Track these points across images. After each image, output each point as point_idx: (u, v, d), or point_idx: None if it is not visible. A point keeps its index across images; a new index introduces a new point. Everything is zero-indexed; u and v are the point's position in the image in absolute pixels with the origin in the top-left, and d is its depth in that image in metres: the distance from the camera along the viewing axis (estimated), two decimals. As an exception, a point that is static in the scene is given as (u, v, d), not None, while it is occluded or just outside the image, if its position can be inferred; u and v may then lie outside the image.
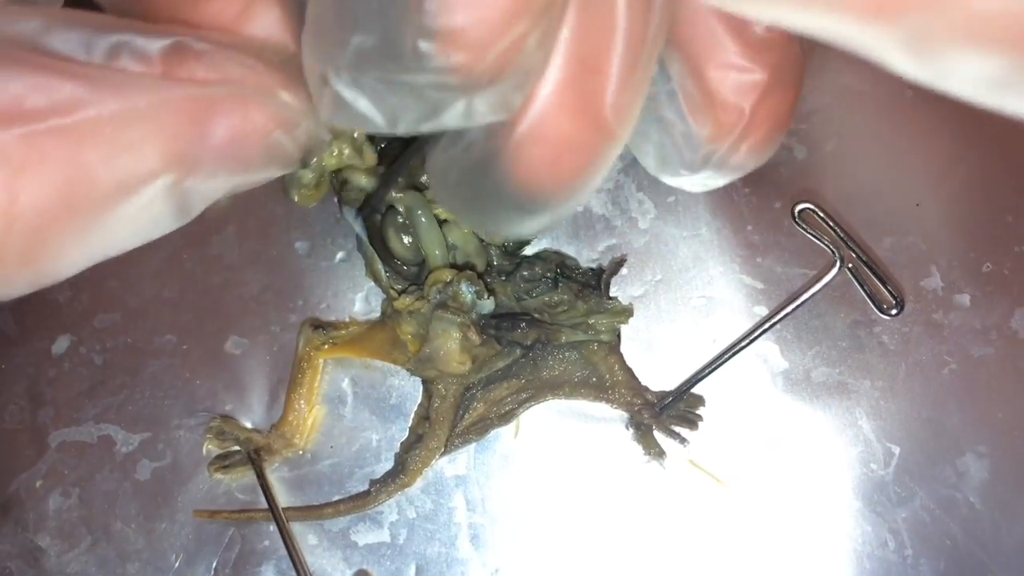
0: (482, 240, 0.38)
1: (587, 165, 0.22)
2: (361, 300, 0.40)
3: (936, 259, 0.38)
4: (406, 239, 0.37)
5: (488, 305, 0.36)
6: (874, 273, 0.37)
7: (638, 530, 0.37)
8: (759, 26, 0.24)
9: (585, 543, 0.37)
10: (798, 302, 0.36)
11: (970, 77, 0.15)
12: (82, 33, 0.20)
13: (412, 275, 0.38)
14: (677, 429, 0.37)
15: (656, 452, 0.38)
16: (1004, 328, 0.38)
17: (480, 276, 0.37)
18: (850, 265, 0.37)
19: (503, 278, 0.38)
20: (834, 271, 0.36)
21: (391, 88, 0.19)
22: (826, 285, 0.36)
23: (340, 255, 0.41)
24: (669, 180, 0.27)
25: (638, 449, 0.38)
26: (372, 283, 0.39)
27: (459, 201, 0.25)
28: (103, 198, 0.19)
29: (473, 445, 0.38)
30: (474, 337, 0.36)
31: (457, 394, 0.38)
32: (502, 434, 0.38)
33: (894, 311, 0.37)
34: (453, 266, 0.37)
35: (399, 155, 0.37)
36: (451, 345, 0.36)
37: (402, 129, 0.20)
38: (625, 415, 0.38)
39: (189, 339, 0.41)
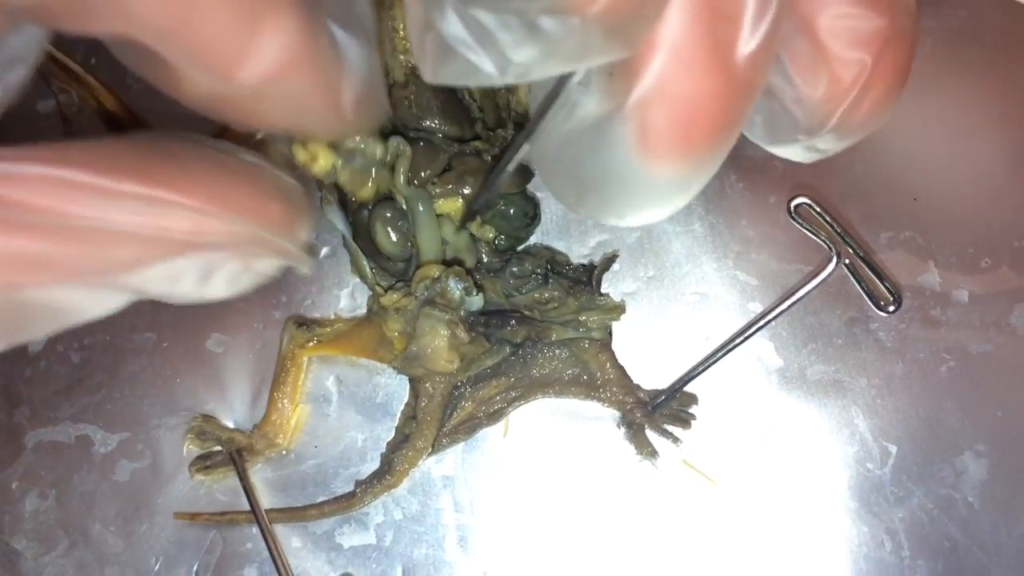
0: (473, 236, 0.37)
1: (722, 125, 0.20)
2: (346, 296, 0.39)
3: (934, 255, 0.38)
4: (393, 234, 0.36)
5: (477, 302, 0.35)
6: (871, 269, 0.36)
7: (630, 530, 0.37)
8: None
9: (576, 544, 0.37)
10: (793, 299, 0.36)
11: None
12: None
13: (399, 271, 0.37)
14: (670, 428, 0.37)
15: (649, 451, 0.37)
16: (1003, 325, 0.37)
17: (469, 272, 0.36)
18: (847, 261, 0.36)
19: (492, 274, 0.37)
20: (830, 267, 0.35)
21: (501, 22, 0.17)
22: (822, 282, 0.35)
23: (325, 250, 0.40)
24: (779, 150, 0.25)
25: (630, 448, 0.37)
26: (358, 279, 0.38)
27: (577, 186, 0.23)
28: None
29: (461, 445, 0.37)
30: (462, 335, 0.35)
31: (445, 393, 0.37)
32: (491, 433, 0.38)
33: (891, 308, 0.36)
34: (442, 262, 0.36)
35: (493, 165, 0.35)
36: (439, 343, 0.35)
37: (512, 75, 0.18)
38: (617, 414, 0.37)
39: (169, 337, 0.39)
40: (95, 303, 0.21)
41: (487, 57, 0.18)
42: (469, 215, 0.35)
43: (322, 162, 0.34)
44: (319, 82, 0.21)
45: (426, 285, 0.35)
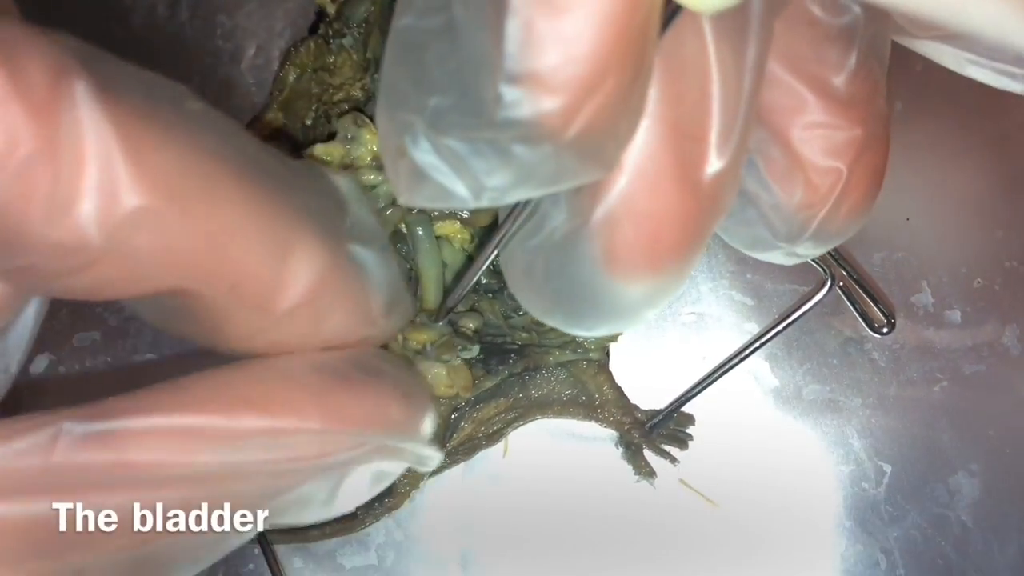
0: (471, 257, 0.37)
1: (688, 240, 0.20)
2: (346, 318, 0.40)
3: (927, 275, 0.38)
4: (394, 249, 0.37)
5: (474, 351, 0.35)
6: (865, 291, 0.37)
7: (629, 549, 0.37)
8: (841, 82, 0.22)
9: (575, 562, 0.37)
10: (788, 321, 0.36)
11: None
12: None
13: (399, 293, 0.38)
14: (667, 448, 0.37)
15: (646, 472, 0.37)
16: (996, 345, 0.38)
17: (460, 333, 0.36)
18: (840, 284, 0.37)
19: (491, 296, 0.37)
20: (824, 290, 0.36)
21: (474, 149, 0.17)
22: (816, 304, 0.36)
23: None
24: (760, 256, 0.25)
25: (628, 468, 0.37)
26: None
27: (545, 300, 0.23)
28: None
29: (461, 465, 0.38)
30: (460, 379, 0.35)
31: (445, 415, 0.37)
32: (490, 454, 0.38)
33: (885, 330, 0.37)
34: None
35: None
36: (438, 371, 0.35)
37: (486, 199, 0.18)
38: (615, 434, 0.38)
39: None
40: (221, 548, 0.22)
41: (461, 183, 0.18)
42: (445, 312, 0.35)
43: None
44: (349, 300, 0.22)
45: (417, 350, 0.35)
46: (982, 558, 0.36)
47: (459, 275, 0.36)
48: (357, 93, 0.38)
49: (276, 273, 0.20)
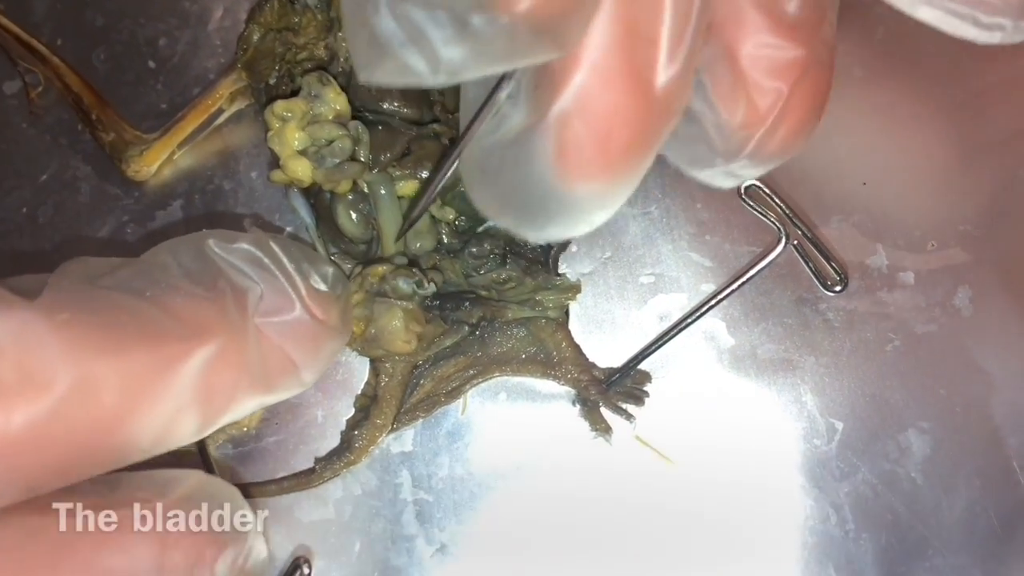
0: (433, 217, 0.37)
1: (639, 143, 0.20)
2: (308, 277, 0.40)
3: (882, 237, 0.38)
4: (356, 217, 0.37)
5: (430, 289, 0.35)
6: (819, 250, 0.37)
7: (585, 505, 0.37)
8: (792, 4, 0.22)
9: (531, 519, 0.37)
10: (743, 279, 0.36)
11: None
12: None
13: (361, 253, 0.38)
14: (624, 405, 0.37)
15: (603, 428, 0.37)
16: (947, 305, 0.38)
17: (417, 266, 0.36)
18: (795, 242, 0.37)
19: (452, 255, 0.38)
20: (779, 248, 0.36)
21: (432, 17, 0.17)
22: (771, 262, 0.36)
23: (288, 230, 0.40)
24: (699, 175, 0.25)
25: (585, 425, 0.38)
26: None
27: (498, 197, 0.23)
28: None
29: (420, 422, 0.38)
30: (416, 326, 0.35)
31: (405, 372, 0.37)
32: (449, 411, 0.38)
33: (838, 288, 0.37)
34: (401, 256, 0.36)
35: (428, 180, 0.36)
36: (396, 323, 0.35)
37: (443, 75, 0.18)
38: (572, 392, 0.38)
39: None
40: None
41: (419, 55, 0.18)
42: (408, 226, 0.35)
43: (302, 176, 0.35)
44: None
45: (373, 283, 0.35)
46: (930, 513, 0.37)
47: (423, 187, 0.36)
48: (321, 52, 0.39)
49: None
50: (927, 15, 0.22)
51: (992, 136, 0.39)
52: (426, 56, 0.18)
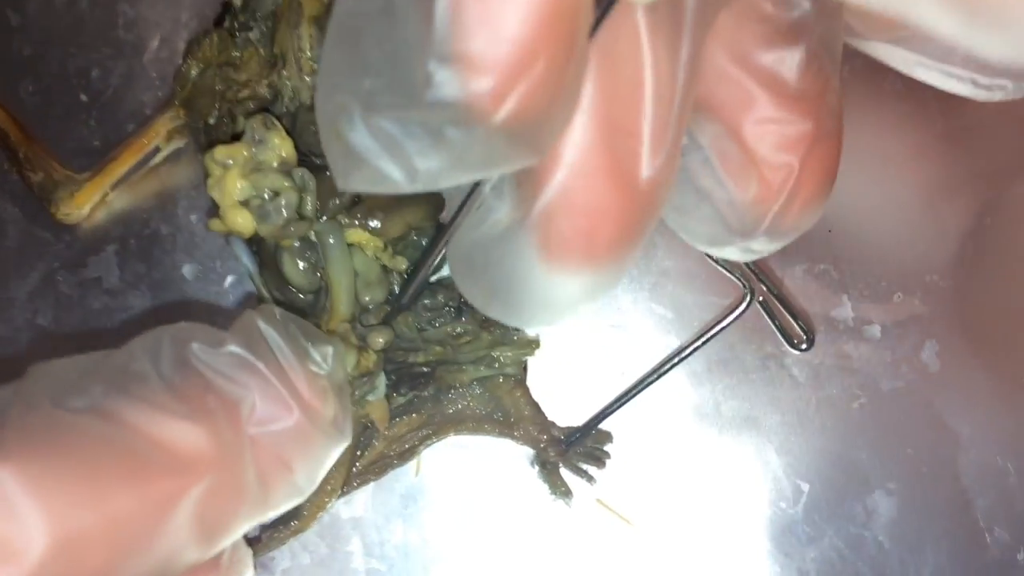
0: (384, 267, 0.36)
1: (624, 237, 0.20)
2: (252, 328, 0.38)
3: (848, 288, 0.38)
4: (302, 266, 0.35)
5: (379, 391, 0.34)
6: (784, 306, 0.36)
7: (544, 571, 0.36)
8: (792, 76, 0.22)
9: (489, 586, 0.36)
10: (707, 337, 0.36)
11: None
12: None
13: (307, 304, 0.36)
14: (584, 467, 0.36)
15: (563, 491, 0.36)
16: (914, 361, 0.37)
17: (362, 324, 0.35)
18: (760, 299, 0.36)
19: (404, 309, 0.36)
20: (744, 305, 0.35)
21: (407, 131, 0.17)
22: (735, 319, 0.35)
23: (230, 279, 0.38)
24: (715, 251, 0.26)
25: (544, 488, 0.36)
26: (263, 309, 0.37)
27: (485, 291, 0.23)
28: None
29: (371, 485, 0.36)
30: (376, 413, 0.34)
31: (355, 433, 0.36)
32: (402, 473, 0.37)
33: (803, 347, 0.37)
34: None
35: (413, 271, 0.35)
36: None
37: (421, 183, 0.18)
38: (531, 452, 0.37)
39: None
40: None
41: (395, 165, 0.18)
42: (395, 312, 0.34)
43: (242, 229, 0.33)
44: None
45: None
46: (897, 577, 0.36)
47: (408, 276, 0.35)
48: (263, 91, 0.37)
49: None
50: (924, 75, 0.23)
51: (958, 180, 0.38)
52: (402, 167, 0.18)
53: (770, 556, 0.36)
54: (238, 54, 0.37)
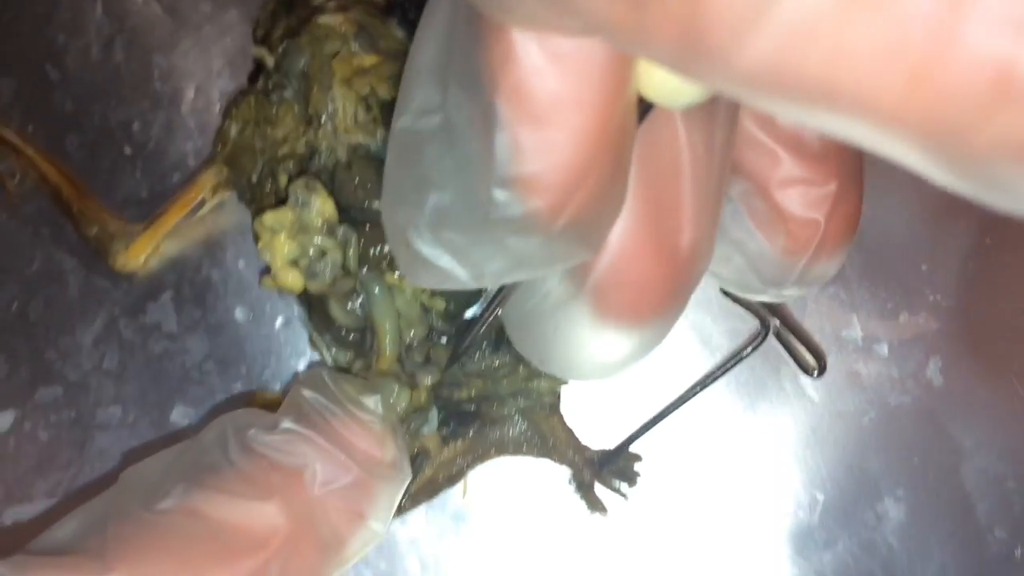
0: (424, 305, 0.38)
1: (668, 303, 0.22)
2: (305, 366, 0.41)
3: (856, 309, 0.40)
4: (349, 311, 0.38)
5: (432, 424, 0.37)
6: (797, 336, 0.39)
7: (585, 579, 0.39)
8: (814, 138, 0.23)
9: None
10: (727, 367, 0.38)
11: None
12: None
13: (356, 343, 0.38)
14: (617, 484, 0.39)
15: (599, 507, 0.39)
16: (920, 377, 0.40)
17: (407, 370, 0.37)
18: (775, 332, 0.39)
19: (444, 341, 0.39)
20: (759, 339, 0.38)
21: (473, 242, 0.19)
22: (753, 351, 0.38)
23: (280, 320, 0.41)
24: (752, 296, 0.28)
25: (581, 504, 0.39)
26: (313, 349, 0.40)
27: (540, 353, 0.25)
28: None
29: (424, 507, 0.40)
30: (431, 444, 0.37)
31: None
32: (451, 494, 0.40)
33: (815, 374, 0.39)
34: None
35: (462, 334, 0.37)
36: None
37: (487, 282, 0.20)
38: (568, 472, 0.40)
39: (134, 410, 0.41)
40: None
41: (463, 269, 0.20)
42: (452, 361, 0.37)
43: (293, 287, 0.35)
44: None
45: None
46: (906, 575, 0.39)
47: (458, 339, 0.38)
48: (301, 149, 0.39)
49: None
50: None
51: (960, 201, 0.39)
52: (470, 270, 0.20)
53: (789, 560, 0.40)
54: (274, 110, 0.39)
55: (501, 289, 0.27)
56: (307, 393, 0.31)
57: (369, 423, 0.32)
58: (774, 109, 0.13)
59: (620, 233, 0.21)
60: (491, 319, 0.32)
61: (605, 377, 0.25)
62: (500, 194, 0.17)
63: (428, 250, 0.20)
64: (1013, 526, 0.39)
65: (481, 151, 0.17)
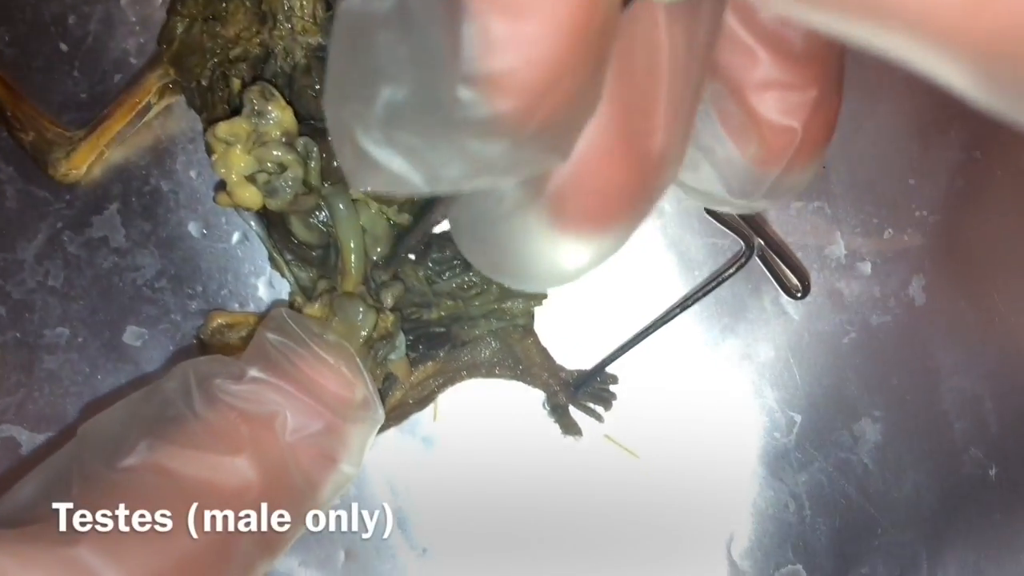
0: (390, 220, 0.36)
1: (632, 211, 0.20)
2: (264, 285, 0.39)
3: (840, 225, 0.39)
4: (311, 227, 0.36)
5: (400, 350, 0.35)
6: (781, 257, 0.38)
7: (557, 502, 0.39)
8: (797, 38, 0.21)
9: (508, 518, 0.39)
10: (708, 288, 0.37)
11: None
12: None
13: (319, 260, 0.37)
14: (592, 406, 0.38)
15: (573, 430, 0.39)
16: (902, 295, 0.39)
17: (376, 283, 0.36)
18: (759, 253, 0.37)
19: (413, 258, 0.37)
20: (743, 259, 0.36)
21: (429, 144, 0.17)
22: (736, 271, 0.36)
23: (236, 236, 0.39)
24: (716, 207, 0.26)
25: (556, 427, 0.39)
26: (274, 268, 0.38)
27: (491, 261, 0.23)
28: None
29: (393, 430, 0.38)
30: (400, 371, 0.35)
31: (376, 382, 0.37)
32: (421, 418, 0.39)
33: (799, 295, 0.38)
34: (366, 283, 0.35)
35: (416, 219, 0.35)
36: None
37: (442, 188, 0.18)
38: (542, 394, 0.39)
39: (83, 331, 0.39)
40: None
41: (416, 173, 0.18)
42: (397, 260, 0.35)
43: (251, 204, 0.33)
44: None
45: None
46: (880, 497, 0.39)
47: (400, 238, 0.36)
48: (255, 50, 0.36)
49: None
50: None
51: (948, 114, 0.39)
52: (423, 173, 0.18)
53: (765, 482, 0.39)
54: (224, 5, 0.36)
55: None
56: (272, 336, 0.29)
57: (336, 364, 0.30)
58: (813, 17, 0.11)
59: (586, 135, 0.19)
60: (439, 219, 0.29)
61: (559, 286, 0.23)
62: (465, 93, 0.15)
63: (378, 151, 0.17)
64: (989, 446, 0.39)
65: (444, 42, 0.15)
